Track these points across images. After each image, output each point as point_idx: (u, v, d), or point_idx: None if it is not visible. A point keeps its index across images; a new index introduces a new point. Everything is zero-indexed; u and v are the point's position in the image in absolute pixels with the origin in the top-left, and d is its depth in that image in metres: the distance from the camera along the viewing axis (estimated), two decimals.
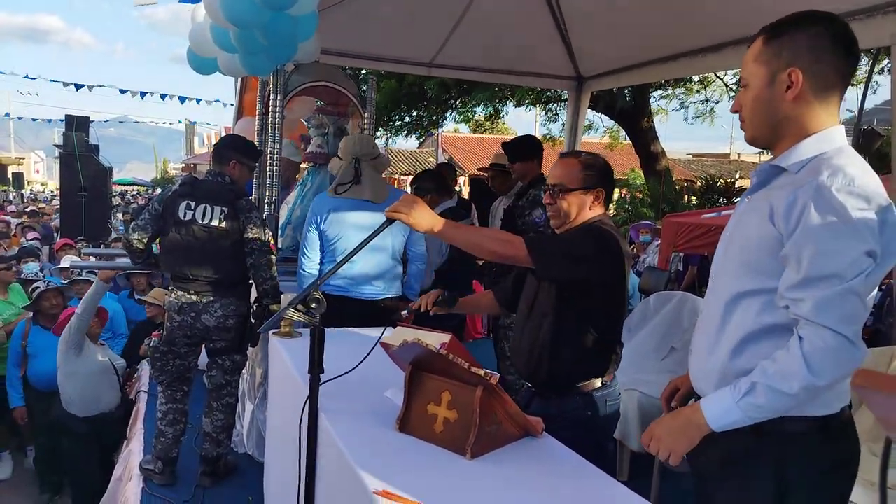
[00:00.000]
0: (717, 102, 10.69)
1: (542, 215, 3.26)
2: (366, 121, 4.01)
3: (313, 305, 1.62)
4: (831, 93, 1.38)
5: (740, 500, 1.44)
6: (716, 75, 9.90)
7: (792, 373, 1.24)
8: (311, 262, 3.26)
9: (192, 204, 3.08)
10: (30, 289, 5.08)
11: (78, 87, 15.52)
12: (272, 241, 3.26)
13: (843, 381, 1.32)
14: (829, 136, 1.37)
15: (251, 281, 3.24)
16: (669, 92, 10.40)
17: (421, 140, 20.74)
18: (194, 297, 3.10)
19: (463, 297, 2.37)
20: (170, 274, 3.20)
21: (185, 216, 3.07)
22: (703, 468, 1.51)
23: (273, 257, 3.17)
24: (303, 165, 4.59)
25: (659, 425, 1.46)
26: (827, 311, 1.23)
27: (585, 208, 2.04)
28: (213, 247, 3.08)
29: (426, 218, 1.85)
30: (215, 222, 3.08)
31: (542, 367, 2.05)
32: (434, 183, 4.16)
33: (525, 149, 3.84)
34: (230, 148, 3.24)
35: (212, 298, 3.11)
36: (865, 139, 6.86)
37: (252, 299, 3.26)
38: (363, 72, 8.64)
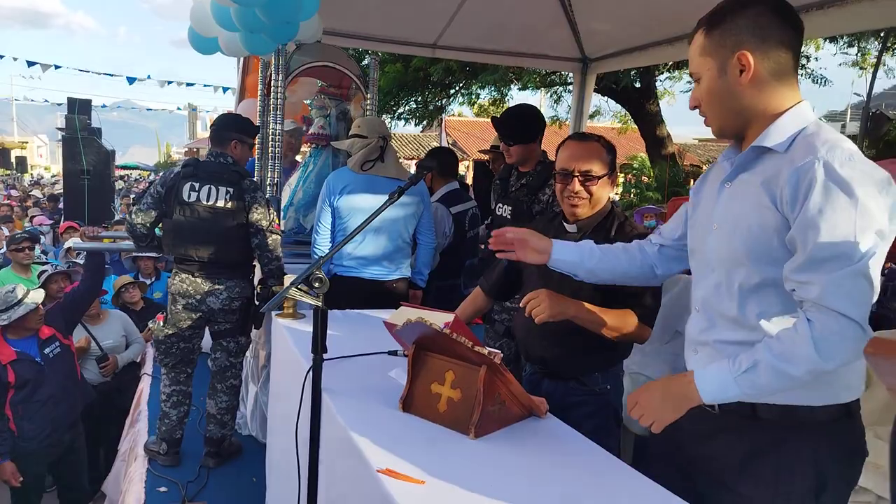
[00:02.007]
0: None
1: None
2: (368, 102, 3.97)
3: (316, 285, 1.59)
4: (785, 69, 1.36)
5: (779, 493, 1.38)
6: None
7: (800, 355, 1.21)
8: (324, 241, 3.24)
9: (197, 185, 3.06)
10: (37, 272, 5.12)
11: (82, 70, 15.45)
12: (277, 222, 3.24)
13: (860, 364, 1.32)
14: (801, 112, 1.36)
15: (255, 263, 3.24)
16: (675, 74, 10.29)
17: (424, 125, 20.63)
18: (198, 280, 3.10)
19: (460, 305, 2.37)
20: (173, 256, 3.18)
21: (189, 197, 3.06)
22: (722, 459, 1.44)
23: (278, 237, 3.16)
24: (304, 149, 4.56)
25: (648, 391, 1.42)
26: (837, 295, 1.19)
27: (609, 192, 2.06)
28: (217, 227, 3.07)
29: (563, 305, 1.88)
30: (220, 203, 3.06)
31: (557, 352, 2.05)
32: (436, 161, 4.12)
33: (524, 128, 3.01)
34: (229, 128, 3.21)
35: (216, 280, 3.10)
36: (874, 123, 6.80)
37: (256, 281, 3.26)
38: (365, 61, 8.58)
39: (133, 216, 3.16)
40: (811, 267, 1.22)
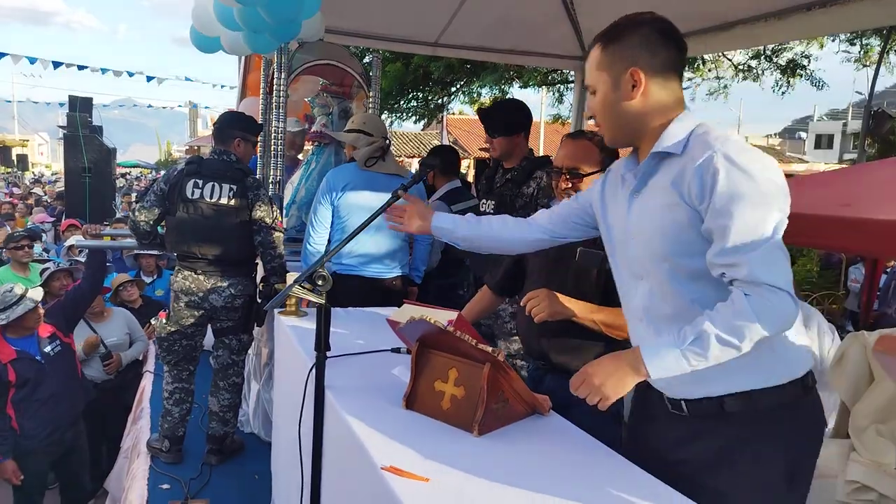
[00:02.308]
0: (726, 87, 10.52)
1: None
2: (370, 100, 3.97)
3: (319, 282, 1.59)
4: (672, 82, 1.47)
5: (756, 483, 1.42)
6: (724, 55, 9.78)
7: (742, 326, 1.27)
8: (319, 238, 3.24)
9: (200, 182, 3.06)
10: (38, 270, 5.13)
11: (81, 68, 15.41)
12: (280, 219, 3.25)
13: (804, 335, 1.46)
14: (688, 117, 1.45)
15: (257, 261, 3.24)
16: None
17: (425, 123, 20.63)
18: (201, 277, 3.10)
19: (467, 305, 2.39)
20: (176, 254, 3.19)
21: (193, 195, 3.06)
22: (697, 461, 1.46)
23: (281, 235, 3.17)
24: (307, 147, 4.57)
25: (594, 368, 1.42)
26: (764, 270, 1.27)
27: None
28: (221, 225, 3.07)
29: (561, 304, 1.93)
30: (224, 200, 3.07)
31: (558, 348, 2.07)
32: (439, 160, 4.13)
33: (507, 120, 2.97)
34: (233, 125, 3.21)
35: (219, 278, 3.11)
36: (876, 121, 6.78)
37: (259, 279, 3.27)
38: (367, 59, 8.58)
39: (136, 213, 3.16)
40: (733, 250, 1.29)
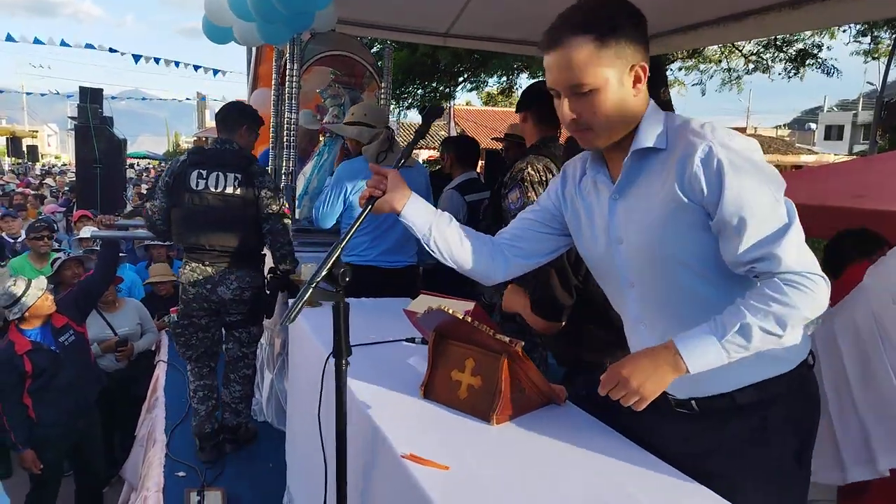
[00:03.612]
0: (739, 78, 10.44)
1: (518, 199, 2.74)
2: (382, 91, 3.98)
3: (341, 277, 1.41)
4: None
5: (770, 467, 1.41)
6: (734, 46, 9.71)
7: (785, 315, 1.23)
8: (330, 218, 3.22)
9: (204, 172, 3.04)
10: (50, 260, 5.18)
11: (88, 46, 15.33)
12: (286, 206, 3.24)
13: None
14: (655, 110, 1.39)
15: (265, 252, 3.25)
16: (690, 63, 10.21)
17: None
18: (209, 269, 3.09)
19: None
20: (184, 245, 3.18)
21: (197, 185, 3.04)
22: (707, 454, 1.42)
23: (288, 222, 3.16)
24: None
25: (630, 369, 1.31)
26: (798, 258, 1.24)
27: None
28: (227, 215, 3.05)
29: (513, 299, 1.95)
30: (229, 189, 3.05)
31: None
32: (455, 146, 4.15)
33: (522, 98, 2.95)
34: (239, 114, 3.20)
35: (227, 269, 3.10)
36: (888, 113, 6.72)
37: (266, 270, 3.28)
38: (375, 47, 8.57)
39: (150, 212, 3.16)
40: (760, 244, 1.24)
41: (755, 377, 1.39)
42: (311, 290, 1.38)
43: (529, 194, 2.71)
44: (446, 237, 1.61)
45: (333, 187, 3.22)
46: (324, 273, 1.40)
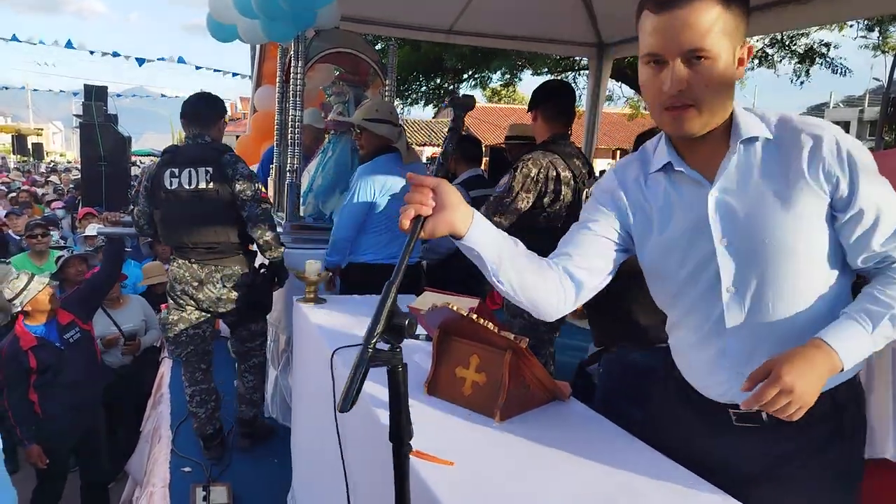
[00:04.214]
0: (752, 69, 10.39)
1: (504, 184, 2.81)
2: (386, 88, 3.98)
3: (408, 329, 1.06)
4: None
5: (841, 474, 1.35)
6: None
7: None
8: (352, 233, 3.20)
9: (176, 171, 3.01)
10: (55, 258, 5.21)
11: (93, 51, 15.47)
12: (263, 191, 3.18)
13: None
14: (739, 105, 1.31)
15: (253, 248, 3.21)
16: None
17: (436, 110, 20.57)
18: (195, 266, 3.08)
19: None
20: (171, 245, 3.18)
21: (171, 185, 3.01)
22: (784, 458, 1.33)
23: (267, 206, 3.11)
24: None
25: (792, 376, 1.15)
26: None
27: None
28: (205, 210, 3.02)
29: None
30: (202, 185, 3.01)
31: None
32: (460, 145, 4.18)
33: (532, 97, 3.02)
34: (212, 108, 3.16)
35: (213, 267, 3.08)
36: (895, 109, 6.69)
37: (258, 264, 3.24)
38: (379, 45, 8.57)
39: (136, 216, 3.16)
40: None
41: (830, 384, 1.27)
42: (368, 360, 1.01)
43: (514, 183, 2.76)
44: (519, 267, 1.32)
45: (363, 193, 3.16)
46: (381, 328, 1.04)
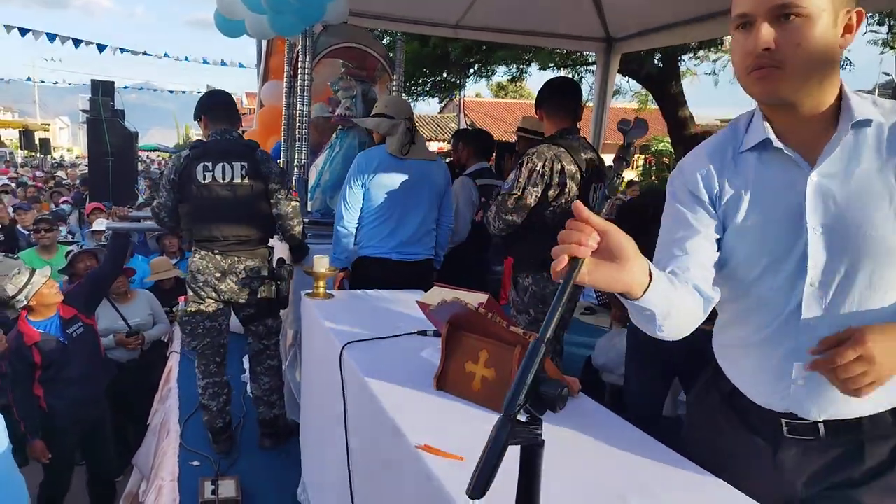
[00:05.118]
0: None
1: (511, 180, 2.83)
2: (394, 83, 3.97)
3: (558, 402, 0.91)
4: None
5: None
6: None
7: None
8: (350, 218, 3.23)
9: (210, 164, 3.04)
10: (64, 252, 5.23)
11: (101, 47, 15.49)
12: (293, 189, 3.25)
13: None
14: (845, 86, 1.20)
15: (272, 244, 3.24)
16: (702, 54, 10.11)
17: (442, 104, 20.55)
18: (219, 258, 3.11)
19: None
20: (196, 238, 3.17)
21: (204, 178, 3.04)
22: (853, 476, 1.24)
23: (297, 204, 3.17)
24: None
25: (877, 343, 1.05)
26: None
27: None
28: (238, 203, 3.06)
29: None
30: (238, 179, 3.05)
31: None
32: (473, 139, 4.27)
33: (538, 95, 3.05)
34: (233, 106, 3.22)
35: (236, 258, 3.11)
36: None
37: (276, 260, 3.28)
38: (386, 40, 8.55)
39: (157, 209, 3.17)
40: None
41: (893, 400, 1.21)
42: (507, 438, 0.89)
43: (521, 179, 2.78)
44: (678, 310, 1.19)
45: (353, 177, 3.21)
46: (523, 398, 0.88)
